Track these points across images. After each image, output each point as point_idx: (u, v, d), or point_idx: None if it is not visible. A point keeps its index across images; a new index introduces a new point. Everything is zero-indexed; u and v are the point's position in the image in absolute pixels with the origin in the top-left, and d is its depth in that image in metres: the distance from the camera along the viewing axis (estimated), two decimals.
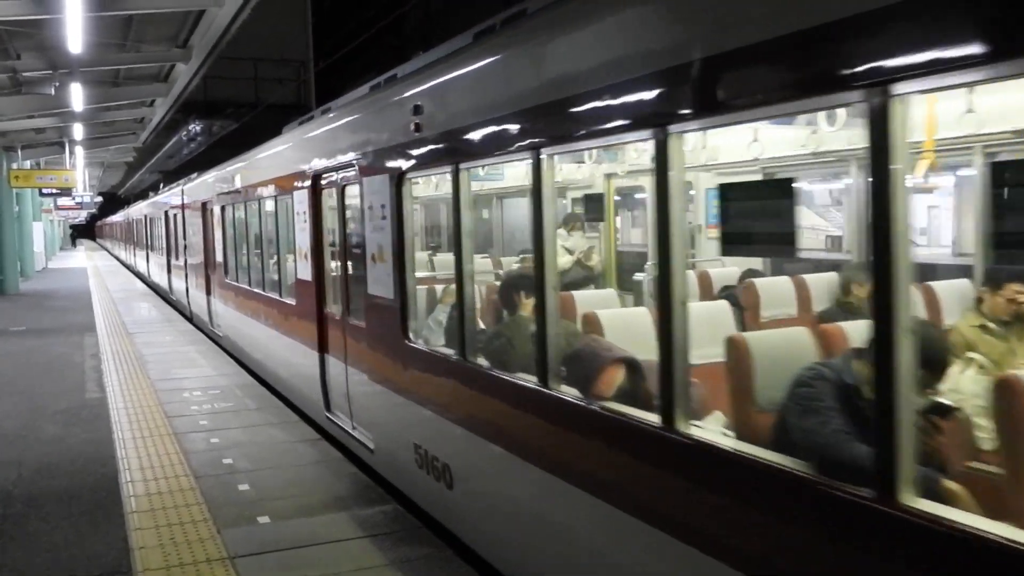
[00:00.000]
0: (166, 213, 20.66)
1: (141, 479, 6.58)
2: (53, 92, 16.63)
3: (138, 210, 31.80)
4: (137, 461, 7.07)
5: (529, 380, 4.29)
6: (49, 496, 6.32)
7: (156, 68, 18.04)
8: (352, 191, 6.91)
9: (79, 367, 11.85)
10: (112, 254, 53.69)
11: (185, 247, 17.16)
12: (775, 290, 5.90)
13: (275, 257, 10.09)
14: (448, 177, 5.05)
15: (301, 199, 8.20)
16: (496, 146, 4.56)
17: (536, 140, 4.10)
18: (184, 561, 5.01)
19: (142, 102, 21.58)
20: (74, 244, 79.26)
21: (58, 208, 42.76)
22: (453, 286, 5.43)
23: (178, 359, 12.28)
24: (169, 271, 20.63)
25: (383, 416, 6.41)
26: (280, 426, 8.22)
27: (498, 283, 6.25)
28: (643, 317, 4.74)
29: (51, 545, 5.38)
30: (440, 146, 5.16)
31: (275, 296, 9.74)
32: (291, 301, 8.95)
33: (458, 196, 4.93)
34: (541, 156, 4.05)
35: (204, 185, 14.85)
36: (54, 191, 28.47)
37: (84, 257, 51.08)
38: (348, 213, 7.23)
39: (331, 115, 7.88)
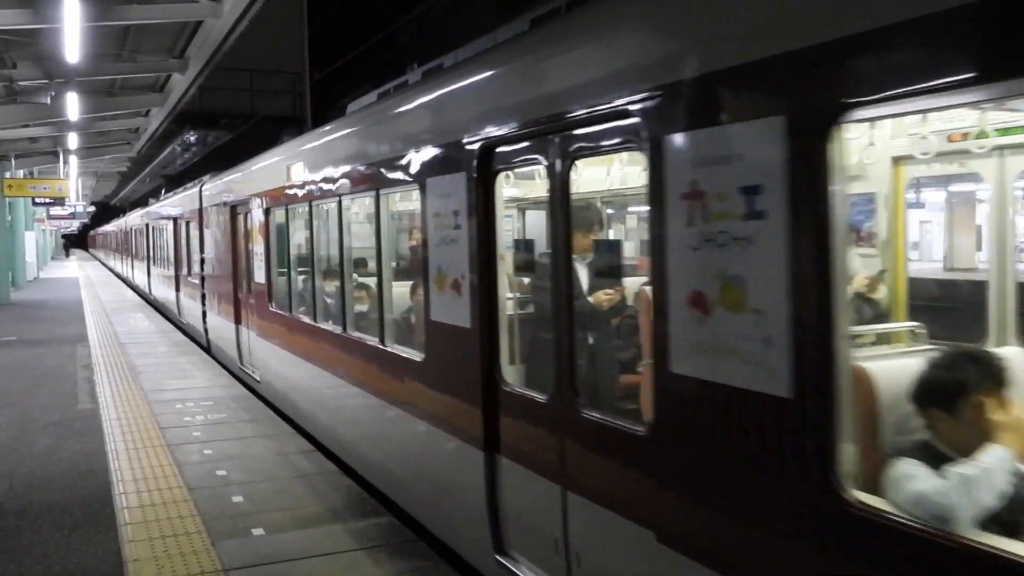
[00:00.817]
0: (175, 220, 17.76)
1: (134, 491, 6.54)
2: (48, 101, 16.67)
3: (138, 217, 29.47)
4: (130, 473, 7.03)
5: None
6: (41, 508, 6.27)
7: (152, 78, 18.09)
8: (589, 171, 4.80)
9: (71, 378, 11.80)
10: (106, 265, 53.48)
11: (202, 261, 14.21)
12: None
13: (366, 281, 7.32)
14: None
15: (446, 191, 4.91)
16: None
17: None
18: (178, 574, 4.98)
19: (137, 112, 21.63)
20: (67, 254, 79.16)
21: (50, 218, 42.75)
22: None
23: (171, 370, 12.22)
24: (178, 288, 17.68)
25: None
26: (274, 438, 8.19)
27: None
28: None
29: (43, 557, 5.34)
30: None
31: (374, 343, 6.28)
32: (413, 356, 5.61)
33: None
34: None
35: (234, 184, 11.62)
36: (47, 200, 28.42)
37: (76, 267, 50.96)
38: (591, 214, 4.93)
39: (514, 45, 4.64)
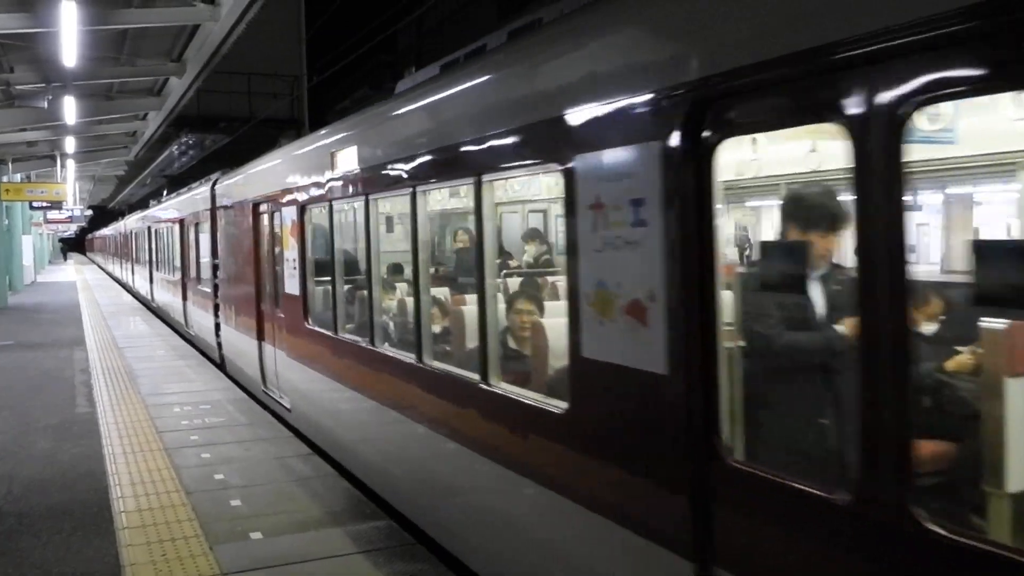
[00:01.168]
0: (182, 222, 16.58)
1: (132, 495, 6.54)
2: (46, 105, 16.63)
3: (139, 219, 28.48)
4: (128, 476, 7.02)
5: None
6: (40, 511, 6.27)
7: (150, 82, 18.09)
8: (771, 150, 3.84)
9: (69, 382, 11.78)
10: (104, 269, 53.37)
11: (215, 267, 12.76)
12: None
13: (455, 298, 6.18)
14: None
15: (616, 172, 3.41)
16: None
17: None
18: None
19: (135, 115, 21.61)
20: (65, 258, 79.20)
21: (48, 222, 42.69)
22: None
23: (169, 374, 12.22)
24: (185, 297, 16.27)
25: None
26: (272, 441, 8.18)
27: None
28: None
29: (42, 561, 5.33)
30: None
31: (473, 380, 4.74)
32: (545, 404, 4.11)
33: None
34: None
35: (258, 178, 10.05)
36: (44, 204, 28.38)
37: (74, 271, 50.93)
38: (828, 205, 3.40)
39: None
